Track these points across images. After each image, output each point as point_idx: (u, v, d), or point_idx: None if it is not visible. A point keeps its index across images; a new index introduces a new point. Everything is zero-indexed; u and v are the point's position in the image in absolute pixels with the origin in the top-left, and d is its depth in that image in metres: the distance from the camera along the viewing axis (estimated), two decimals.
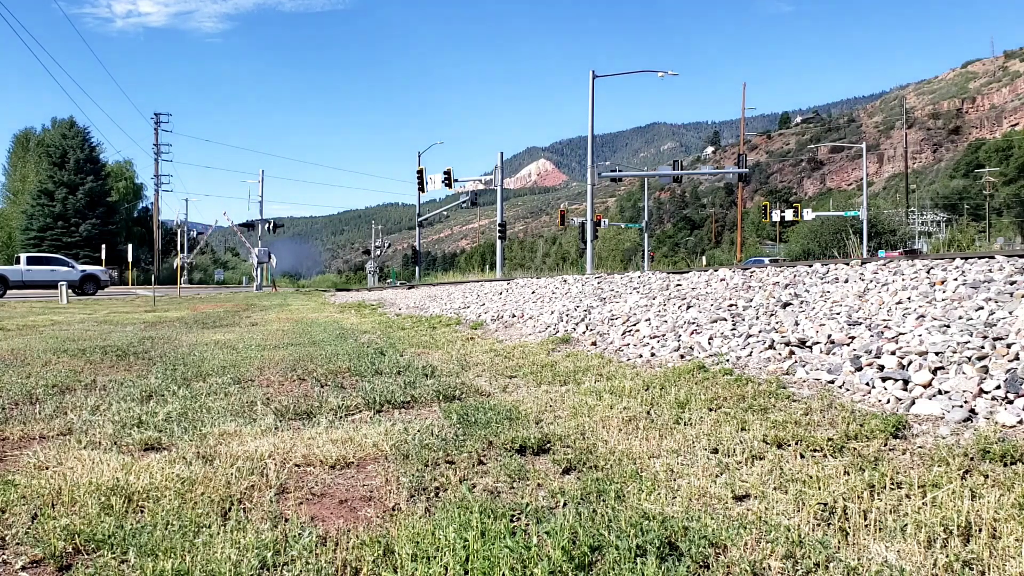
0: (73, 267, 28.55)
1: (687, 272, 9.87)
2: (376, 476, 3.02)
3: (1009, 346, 3.79)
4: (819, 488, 2.60)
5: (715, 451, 3.15)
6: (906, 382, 3.83)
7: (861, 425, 3.28)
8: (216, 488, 2.78)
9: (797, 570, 2.05)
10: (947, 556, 2.06)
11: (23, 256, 28.73)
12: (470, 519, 2.36)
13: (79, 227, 51.25)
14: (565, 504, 2.59)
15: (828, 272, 7.26)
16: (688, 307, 7.24)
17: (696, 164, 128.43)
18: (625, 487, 2.74)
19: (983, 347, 3.85)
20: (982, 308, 4.58)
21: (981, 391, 3.48)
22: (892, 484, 2.61)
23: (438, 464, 3.12)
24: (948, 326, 4.36)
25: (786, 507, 2.48)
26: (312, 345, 8.21)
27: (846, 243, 31.81)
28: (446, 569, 2.07)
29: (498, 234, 31.44)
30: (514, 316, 9.99)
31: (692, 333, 6.15)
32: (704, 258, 74.18)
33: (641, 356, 5.95)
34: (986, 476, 2.61)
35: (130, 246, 30.45)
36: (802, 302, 6.20)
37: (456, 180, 33.47)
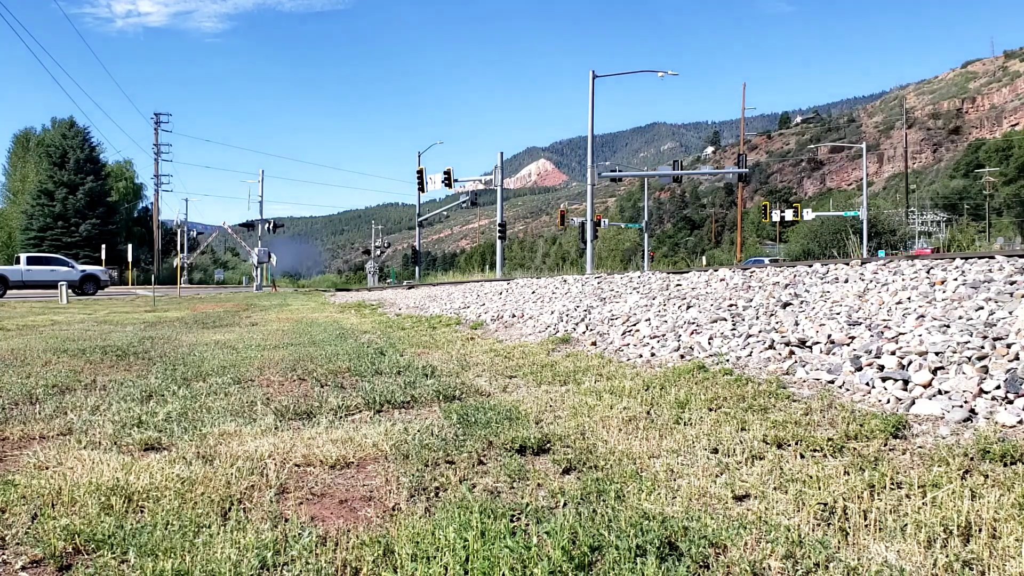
0: (73, 267, 28.55)
1: (687, 272, 9.87)
2: (376, 476, 3.02)
3: (1009, 346, 3.79)
4: (819, 488, 2.60)
5: (715, 451, 3.15)
6: (906, 382, 3.83)
7: (861, 425, 3.28)
8: (216, 488, 2.77)
9: (797, 570, 2.05)
10: (947, 556, 2.06)
11: (23, 256, 28.73)
12: (470, 519, 2.36)
13: (79, 227, 51.26)
14: (565, 504, 2.59)
15: (828, 272, 7.26)
16: (688, 307, 7.24)
17: (696, 164, 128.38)
18: (625, 487, 2.74)
19: (983, 347, 3.85)
20: (982, 308, 4.58)
21: (981, 391, 3.48)
22: (892, 484, 2.61)
23: (438, 464, 3.12)
24: (948, 326, 4.36)
25: (786, 507, 2.48)
26: (312, 345, 8.21)
27: (846, 243, 31.80)
28: (446, 569, 2.07)
29: (498, 234, 31.44)
30: (514, 316, 9.99)
31: (692, 333, 6.15)
32: (704, 258, 74.17)
33: (641, 356, 5.95)
34: (986, 476, 2.61)
35: (130, 246, 30.43)
36: (802, 302, 6.20)
37: (456, 180, 33.46)
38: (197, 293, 33.17)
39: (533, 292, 12.07)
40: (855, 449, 3.02)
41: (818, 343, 4.87)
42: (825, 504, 2.46)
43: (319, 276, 75.76)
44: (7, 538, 2.35)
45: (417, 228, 41.74)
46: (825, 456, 3.00)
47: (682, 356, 5.63)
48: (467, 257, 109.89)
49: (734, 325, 5.98)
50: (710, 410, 3.86)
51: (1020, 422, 3.13)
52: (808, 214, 48.46)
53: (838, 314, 5.40)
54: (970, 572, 2.00)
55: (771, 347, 5.15)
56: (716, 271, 9.21)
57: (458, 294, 15.99)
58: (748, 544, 2.19)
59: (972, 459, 2.79)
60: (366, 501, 2.74)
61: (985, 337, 3.98)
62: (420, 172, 34.37)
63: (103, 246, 43.36)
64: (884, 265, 6.94)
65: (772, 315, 5.98)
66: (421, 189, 35.00)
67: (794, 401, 3.92)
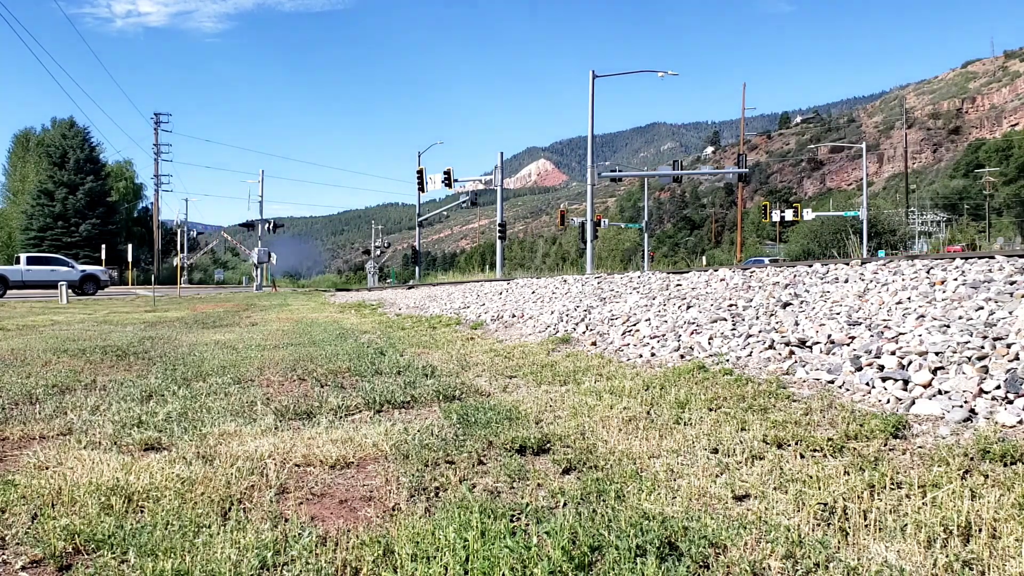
0: (73, 267, 28.55)
1: (687, 272, 9.87)
2: (376, 476, 3.02)
3: (1009, 346, 3.79)
4: (819, 488, 2.60)
5: (715, 451, 3.15)
6: (906, 382, 3.83)
7: (861, 425, 3.28)
8: (216, 488, 2.77)
9: (797, 570, 2.05)
10: (947, 556, 2.06)
11: (23, 256, 28.73)
12: (470, 519, 2.36)
13: (79, 227, 51.27)
14: (565, 504, 2.59)
15: (828, 272, 7.26)
16: (688, 307, 7.24)
17: (696, 164, 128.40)
18: (625, 487, 2.74)
19: (983, 347, 3.85)
20: (982, 308, 4.58)
21: (981, 391, 3.48)
22: (892, 484, 2.61)
23: (438, 464, 3.12)
24: (948, 326, 4.36)
25: (786, 507, 2.48)
26: (312, 345, 8.21)
27: (846, 243, 31.78)
28: (446, 569, 2.07)
29: (498, 234, 31.44)
30: (514, 316, 9.99)
31: (692, 333, 6.15)
32: (704, 258, 74.17)
33: (641, 356, 5.95)
34: (986, 476, 2.61)
35: (130, 246, 30.47)
36: (802, 302, 6.20)
37: (456, 180, 33.46)
38: (197, 293, 33.17)
39: (533, 292, 12.07)
40: (855, 449, 3.02)
41: (818, 343, 4.87)
42: (825, 504, 2.46)
43: (319, 276, 75.82)
44: (7, 538, 2.35)
45: (417, 228, 41.74)
46: (825, 456, 3.00)
47: (682, 356, 5.63)
48: (467, 257, 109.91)
49: (734, 325, 5.98)
50: (710, 410, 3.85)
51: (1020, 422, 3.13)
52: (808, 214, 48.47)
53: (838, 314, 5.40)
54: (970, 572, 2.00)
55: (771, 347, 5.14)
56: (716, 271, 9.21)
57: (458, 294, 15.99)
58: (748, 544, 2.19)
59: (972, 459, 2.79)
60: (366, 501, 2.74)
61: (985, 337, 3.98)
62: (420, 172, 34.37)
63: (103, 246, 43.40)
64: (884, 265, 6.94)
65: (772, 315, 5.98)
66: (421, 189, 35.00)
67: (794, 401, 3.92)
